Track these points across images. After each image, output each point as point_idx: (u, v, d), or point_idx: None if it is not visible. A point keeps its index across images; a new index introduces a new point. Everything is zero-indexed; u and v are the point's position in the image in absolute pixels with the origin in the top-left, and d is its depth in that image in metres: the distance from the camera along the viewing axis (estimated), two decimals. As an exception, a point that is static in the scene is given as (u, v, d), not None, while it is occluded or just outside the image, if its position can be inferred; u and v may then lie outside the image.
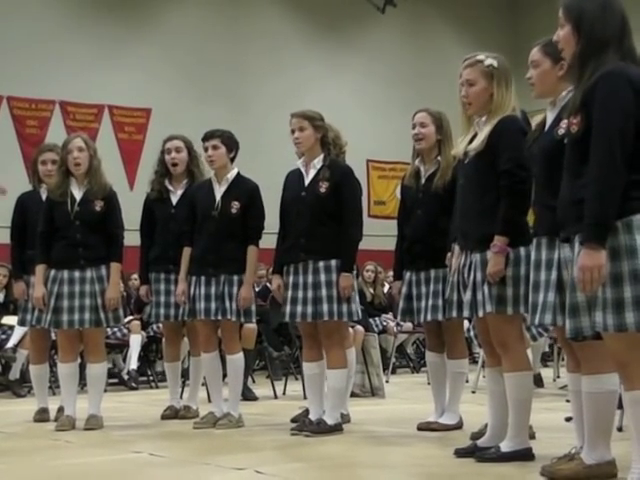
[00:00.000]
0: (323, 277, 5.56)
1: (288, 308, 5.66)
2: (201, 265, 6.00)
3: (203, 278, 5.99)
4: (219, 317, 5.96)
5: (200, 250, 6.02)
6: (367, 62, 16.78)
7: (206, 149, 6.10)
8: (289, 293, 5.65)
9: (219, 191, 6.07)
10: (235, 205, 6.00)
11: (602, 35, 3.51)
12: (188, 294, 6.05)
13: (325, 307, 5.53)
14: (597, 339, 3.59)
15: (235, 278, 5.94)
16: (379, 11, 16.42)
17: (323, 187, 5.63)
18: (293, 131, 5.71)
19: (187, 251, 6.12)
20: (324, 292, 5.54)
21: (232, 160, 6.15)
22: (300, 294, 5.61)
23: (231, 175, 6.10)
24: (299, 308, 5.61)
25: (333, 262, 5.57)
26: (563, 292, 3.86)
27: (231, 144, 6.11)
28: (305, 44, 16.25)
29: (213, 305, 5.94)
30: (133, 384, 9.62)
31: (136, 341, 9.71)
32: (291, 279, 5.66)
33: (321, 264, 5.57)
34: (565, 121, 3.83)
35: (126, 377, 9.74)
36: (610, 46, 3.50)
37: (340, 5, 16.39)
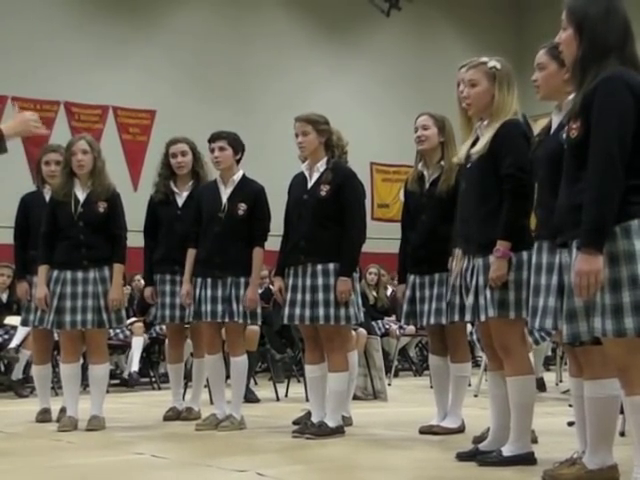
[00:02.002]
0: (321, 280, 5.56)
1: (287, 310, 5.67)
2: (207, 267, 6.00)
3: (209, 280, 5.99)
4: (226, 319, 5.96)
5: (206, 252, 6.03)
6: (372, 64, 16.79)
7: (212, 150, 6.11)
8: (288, 295, 5.66)
9: (225, 193, 6.07)
10: (242, 207, 6.00)
11: (604, 40, 3.51)
12: (193, 296, 6.05)
13: (321, 311, 5.53)
14: (596, 344, 3.59)
15: (242, 280, 5.95)
16: (384, 14, 16.44)
17: (324, 190, 5.63)
18: (297, 135, 5.71)
19: (191, 252, 6.12)
20: (321, 296, 5.54)
21: (238, 162, 6.16)
22: (299, 297, 5.61)
23: (237, 177, 6.10)
24: (297, 311, 5.61)
25: (331, 266, 5.56)
26: (564, 296, 3.86)
27: (237, 146, 6.12)
28: (310, 46, 16.26)
29: (219, 307, 5.94)
30: (134, 384, 9.62)
31: (138, 343, 9.71)
32: (291, 281, 5.67)
33: (319, 267, 5.57)
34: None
35: (127, 378, 9.74)
36: (612, 52, 3.49)
37: (345, 8, 16.40)
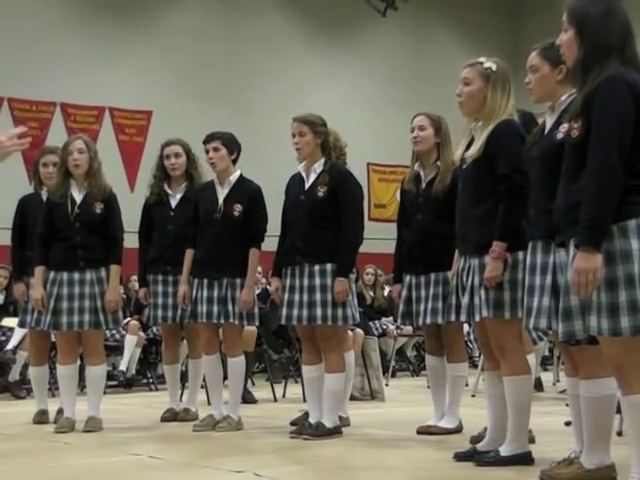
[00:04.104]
0: (318, 281, 5.56)
1: (284, 311, 5.67)
2: (204, 268, 6.01)
3: (205, 281, 5.99)
4: (221, 320, 5.96)
5: (203, 253, 6.03)
6: (368, 65, 16.79)
7: (207, 151, 6.11)
8: (286, 296, 5.67)
9: (222, 193, 6.07)
10: (237, 208, 6.00)
11: (605, 41, 3.51)
12: (190, 296, 6.05)
13: (319, 311, 5.54)
14: (592, 344, 3.59)
15: (238, 281, 5.94)
16: (380, 14, 16.42)
17: (321, 191, 5.63)
18: (294, 135, 5.72)
19: (189, 253, 6.12)
20: (318, 296, 5.55)
21: (234, 162, 6.15)
22: (296, 297, 5.61)
23: (233, 177, 6.10)
24: (295, 311, 5.62)
25: (329, 266, 5.57)
26: (558, 296, 3.87)
27: (232, 146, 6.11)
28: (306, 46, 16.26)
29: (215, 308, 5.94)
30: (124, 384, 9.60)
31: (130, 342, 9.66)
32: (288, 282, 5.67)
33: (316, 268, 5.58)
34: (565, 125, 3.84)
35: (120, 377, 9.68)
36: (613, 52, 3.50)
37: (341, 8, 16.40)
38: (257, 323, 6.28)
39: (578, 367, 3.97)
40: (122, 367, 9.65)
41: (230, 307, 5.92)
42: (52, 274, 6.09)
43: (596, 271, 3.36)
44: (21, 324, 6.65)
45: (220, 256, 5.95)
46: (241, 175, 6.14)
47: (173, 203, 6.58)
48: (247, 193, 6.05)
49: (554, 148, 3.93)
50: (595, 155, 3.42)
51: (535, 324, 4.02)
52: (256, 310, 6.04)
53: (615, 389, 3.81)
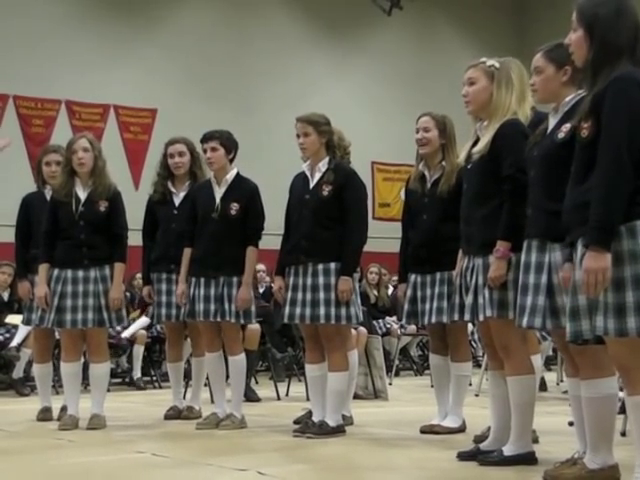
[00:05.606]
0: (322, 280, 5.56)
1: (287, 309, 5.67)
2: (201, 266, 6.01)
3: (203, 279, 6.00)
4: (218, 319, 5.96)
5: (200, 251, 6.03)
6: (373, 64, 16.79)
7: (205, 151, 6.11)
8: (289, 295, 5.67)
9: (219, 192, 6.07)
10: (235, 207, 6.00)
11: (615, 42, 3.50)
12: (188, 295, 6.05)
13: (322, 310, 5.54)
14: (599, 343, 3.59)
15: (234, 279, 5.95)
16: (385, 13, 16.40)
17: (326, 190, 5.63)
18: (298, 135, 5.72)
19: (187, 252, 6.13)
20: (322, 295, 5.55)
21: (231, 161, 6.15)
22: (299, 296, 5.61)
23: (230, 176, 6.10)
24: (298, 310, 5.62)
25: (332, 265, 5.57)
26: (553, 296, 3.87)
27: (230, 145, 6.11)
28: (311, 46, 16.26)
29: (212, 306, 5.95)
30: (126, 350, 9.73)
31: (142, 319, 9.70)
32: (291, 281, 5.67)
33: (320, 267, 5.58)
34: (567, 125, 3.84)
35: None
36: (623, 53, 3.49)
37: (346, 7, 16.39)
38: (254, 321, 6.28)
39: (579, 368, 3.96)
40: (126, 334, 9.64)
41: (227, 305, 5.92)
42: (56, 272, 6.09)
43: (605, 271, 3.36)
44: (27, 322, 6.65)
45: (218, 255, 5.94)
46: (238, 173, 6.14)
47: (177, 201, 6.59)
48: (244, 192, 6.05)
49: (555, 148, 3.93)
50: (604, 155, 3.42)
51: (529, 323, 4.02)
52: (253, 308, 6.04)
53: (616, 389, 3.81)
